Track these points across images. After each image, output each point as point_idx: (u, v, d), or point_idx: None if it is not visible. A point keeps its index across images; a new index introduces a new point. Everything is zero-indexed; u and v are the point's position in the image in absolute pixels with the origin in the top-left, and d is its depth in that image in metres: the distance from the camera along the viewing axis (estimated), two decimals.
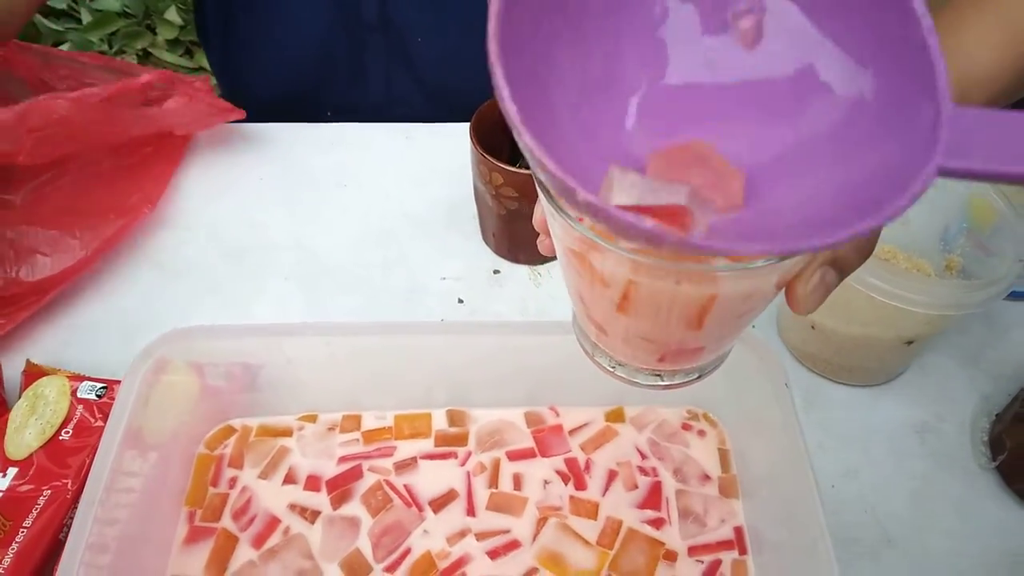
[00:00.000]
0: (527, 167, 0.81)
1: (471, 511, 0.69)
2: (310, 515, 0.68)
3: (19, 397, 0.71)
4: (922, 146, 0.29)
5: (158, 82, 0.90)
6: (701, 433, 0.73)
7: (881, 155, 0.31)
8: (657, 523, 0.69)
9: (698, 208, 0.29)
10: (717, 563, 0.66)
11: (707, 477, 0.71)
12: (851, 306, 0.71)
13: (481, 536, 0.68)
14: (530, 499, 0.70)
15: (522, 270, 0.88)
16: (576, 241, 0.36)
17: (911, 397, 0.79)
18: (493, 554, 0.67)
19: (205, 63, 2.44)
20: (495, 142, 0.79)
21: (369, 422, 0.74)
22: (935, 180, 0.29)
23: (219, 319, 0.82)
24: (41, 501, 0.65)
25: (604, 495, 0.70)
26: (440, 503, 0.70)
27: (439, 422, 0.74)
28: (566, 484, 0.71)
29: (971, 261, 0.76)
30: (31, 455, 0.67)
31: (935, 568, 0.69)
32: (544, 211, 0.39)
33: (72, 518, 0.58)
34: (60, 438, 0.68)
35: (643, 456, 0.72)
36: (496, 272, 0.88)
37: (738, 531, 0.68)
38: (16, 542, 0.63)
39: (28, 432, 0.68)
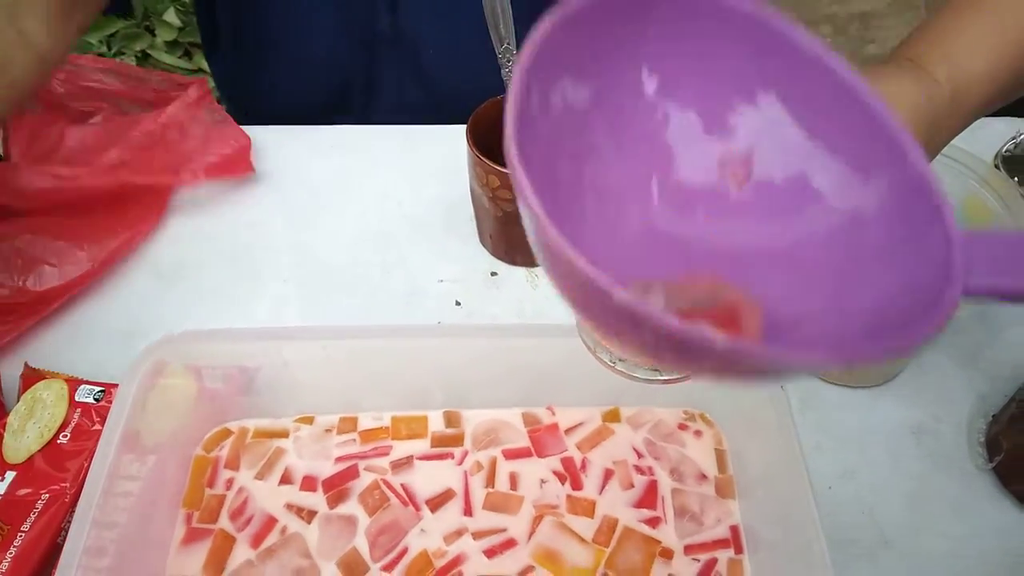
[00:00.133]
0: None
1: (468, 510, 0.70)
2: (307, 515, 0.69)
3: (17, 401, 0.72)
4: (940, 266, 0.31)
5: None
6: (698, 433, 0.74)
7: (899, 271, 0.32)
8: (653, 522, 0.69)
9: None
10: (713, 562, 0.67)
11: (703, 477, 0.72)
12: None
13: (478, 535, 0.69)
14: (526, 498, 0.71)
15: (519, 272, 0.88)
16: None
17: (908, 398, 0.79)
18: (490, 553, 0.68)
19: (204, 65, 2.44)
20: (492, 144, 0.80)
21: (366, 424, 0.74)
22: (957, 307, 0.31)
23: (217, 322, 0.83)
24: (39, 505, 0.65)
25: (600, 494, 0.71)
26: (437, 502, 0.70)
27: (436, 423, 0.75)
28: (563, 483, 0.71)
29: None
30: (29, 459, 0.68)
31: (932, 569, 0.70)
32: None
33: (70, 521, 0.58)
34: (58, 442, 0.69)
35: (639, 455, 0.73)
36: (493, 274, 0.88)
37: (734, 530, 0.69)
38: (14, 546, 0.63)
39: (26, 436, 0.68)
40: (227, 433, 0.73)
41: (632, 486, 0.71)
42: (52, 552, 0.64)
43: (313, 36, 1.04)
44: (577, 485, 0.71)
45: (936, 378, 0.81)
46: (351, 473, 0.71)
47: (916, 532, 0.71)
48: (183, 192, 0.93)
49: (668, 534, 0.69)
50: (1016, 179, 0.77)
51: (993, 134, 0.89)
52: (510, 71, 0.77)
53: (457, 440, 0.74)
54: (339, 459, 0.72)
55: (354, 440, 0.73)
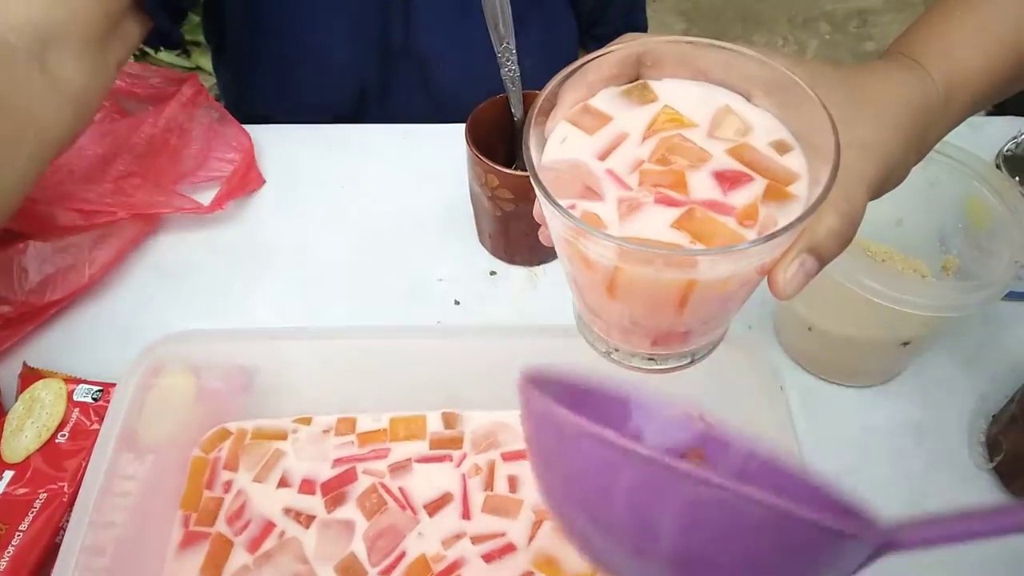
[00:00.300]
0: (523, 168, 0.82)
1: (466, 514, 0.70)
2: (304, 519, 0.69)
3: (15, 400, 0.72)
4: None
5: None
6: None
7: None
8: None
9: None
10: None
11: None
12: (847, 308, 0.73)
13: (476, 539, 0.69)
14: (525, 501, 0.71)
15: (518, 271, 0.89)
16: (568, 230, 0.39)
17: (909, 398, 0.80)
18: (488, 557, 0.68)
19: (202, 63, 2.45)
20: (491, 144, 0.80)
21: (364, 424, 0.75)
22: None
23: (216, 322, 0.83)
24: (37, 504, 0.66)
25: None
26: (435, 506, 0.71)
27: (434, 424, 0.75)
28: None
29: (968, 261, 0.77)
30: (27, 458, 0.68)
31: (931, 568, 0.70)
32: (540, 204, 0.42)
33: (68, 521, 0.59)
34: (56, 441, 0.69)
35: None
36: (492, 273, 0.89)
37: None
38: (12, 545, 0.64)
39: (24, 435, 0.69)
40: (226, 434, 0.74)
41: None
42: (50, 551, 0.64)
43: (327, 48, 1.05)
44: None
45: (937, 378, 0.81)
46: (349, 477, 0.72)
47: None
48: (183, 190, 0.94)
49: None
50: (1017, 178, 0.78)
51: (994, 133, 0.90)
52: (509, 70, 0.78)
53: (456, 442, 0.74)
54: (337, 462, 0.73)
55: (352, 442, 0.74)
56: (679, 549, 0.36)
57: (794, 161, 0.42)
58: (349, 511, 0.70)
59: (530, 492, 0.72)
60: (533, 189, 0.40)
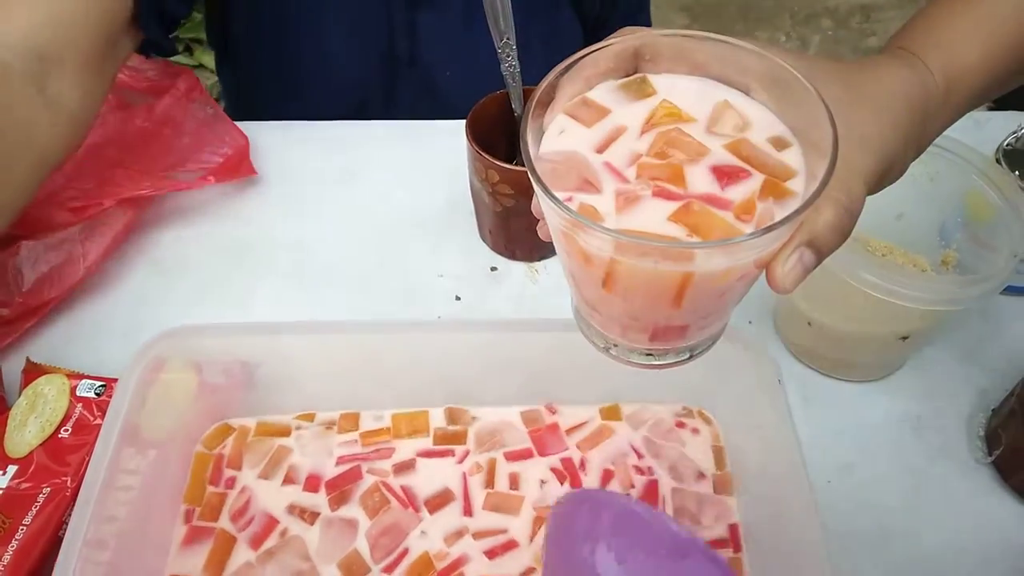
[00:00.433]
0: (523, 164, 0.82)
1: (468, 511, 0.70)
2: (309, 516, 0.70)
3: (19, 395, 0.72)
4: None
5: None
6: (695, 431, 0.74)
7: None
8: None
9: None
10: None
11: (702, 475, 0.72)
12: (846, 302, 0.73)
13: (478, 536, 0.69)
14: (526, 498, 0.71)
15: (519, 267, 0.89)
16: (565, 223, 0.39)
17: (908, 392, 0.80)
18: (491, 554, 0.68)
19: (205, 60, 2.45)
20: (491, 139, 0.80)
21: (367, 421, 0.75)
22: None
23: (218, 317, 0.83)
24: (41, 499, 0.66)
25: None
26: (437, 503, 0.71)
27: (437, 420, 0.75)
28: (562, 483, 0.72)
29: (968, 256, 0.77)
30: (31, 453, 0.68)
31: (931, 562, 0.70)
32: (537, 197, 0.42)
33: (72, 515, 0.59)
34: (59, 436, 0.69)
35: (639, 455, 0.73)
36: (493, 269, 0.89)
37: (733, 529, 0.69)
38: (16, 539, 0.64)
39: (28, 430, 0.69)
40: (228, 429, 0.74)
41: (632, 486, 0.72)
42: (53, 545, 0.64)
43: (331, 59, 1.05)
44: (577, 485, 0.72)
45: (936, 372, 0.81)
46: (354, 475, 0.72)
47: (915, 526, 0.72)
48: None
49: None
50: (1017, 173, 0.78)
51: (995, 128, 0.90)
52: (509, 66, 0.78)
53: (460, 438, 0.74)
54: (341, 460, 0.73)
55: (356, 441, 0.74)
56: None
57: (792, 157, 0.42)
58: (352, 509, 0.70)
59: (531, 489, 0.72)
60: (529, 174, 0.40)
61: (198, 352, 0.70)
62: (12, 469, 0.67)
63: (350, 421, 0.75)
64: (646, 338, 0.46)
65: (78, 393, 0.72)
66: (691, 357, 0.48)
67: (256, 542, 0.68)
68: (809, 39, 2.90)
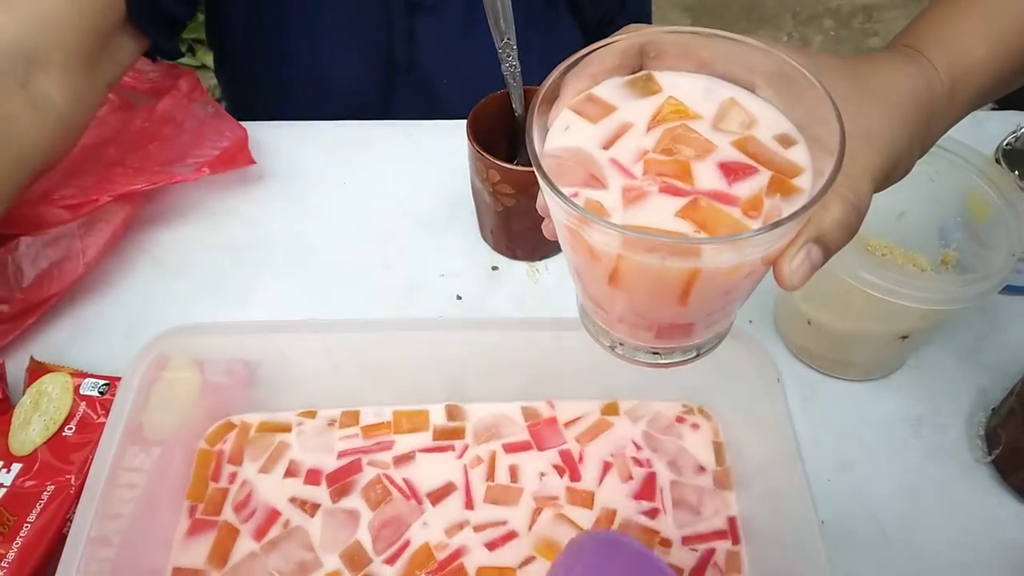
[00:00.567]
0: (524, 164, 0.82)
1: (469, 504, 0.70)
2: (310, 508, 0.70)
3: (23, 394, 0.72)
4: None
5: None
6: (695, 426, 0.74)
7: None
8: (651, 513, 0.70)
9: None
10: (711, 553, 0.68)
11: (702, 469, 0.72)
12: (845, 301, 0.72)
13: (479, 528, 0.69)
14: (525, 489, 0.71)
15: (520, 266, 0.89)
16: (571, 218, 0.39)
17: (908, 392, 0.80)
18: (491, 545, 0.68)
19: (207, 60, 2.44)
20: (492, 140, 0.80)
21: (368, 418, 0.75)
22: None
23: (220, 317, 0.83)
24: (45, 496, 0.66)
25: (599, 485, 0.71)
26: (438, 496, 0.71)
27: (437, 417, 0.75)
28: (561, 477, 0.72)
29: (967, 255, 0.77)
30: (35, 451, 0.68)
31: (929, 561, 0.70)
32: (543, 193, 0.41)
33: (76, 512, 0.59)
34: (63, 434, 0.69)
35: (638, 448, 0.73)
36: (494, 268, 0.89)
37: (731, 522, 0.69)
38: (20, 537, 0.64)
39: (32, 428, 0.69)
40: (230, 427, 0.74)
41: (631, 478, 0.72)
42: (58, 543, 0.64)
43: (329, 64, 1.05)
44: (576, 477, 0.72)
45: (936, 372, 0.81)
46: (354, 468, 0.72)
47: (914, 524, 0.72)
48: (187, 187, 0.94)
49: (667, 524, 0.69)
50: (1016, 172, 0.77)
51: (995, 128, 0.89)
52: (510, 65, 0.78)
53: (458, 433, 0.74)
54: (342, 453, 0.73)
55: (356, 435, 0.74)
56: None
57: (799, 154, 0.41)
58: (354, 501, 0.70)
59: (530, 481, 0.72)
60: (534, 184, 0.39)
61: (200, 351, 0.70)
62: (16, 467, 0.67)
63: (351, 419, 0.75)
64: (652, 336, 0.45)
65: (82, 392, 0.72)
66: (698, 356, 0.48)
67: (259, 533, 0.68)
68: (811, 39, 2.90)
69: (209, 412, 0.74)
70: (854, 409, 0.78)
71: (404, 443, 0.74)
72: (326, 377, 0.73)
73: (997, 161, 0.79)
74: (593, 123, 0.44)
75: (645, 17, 1.20)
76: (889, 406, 0.79)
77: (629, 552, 0.58)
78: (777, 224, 0.36)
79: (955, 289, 0.67)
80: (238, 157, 0.92)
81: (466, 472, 0.72)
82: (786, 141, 0.42)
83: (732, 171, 0.40)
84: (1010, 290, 0.84)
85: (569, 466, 0.72)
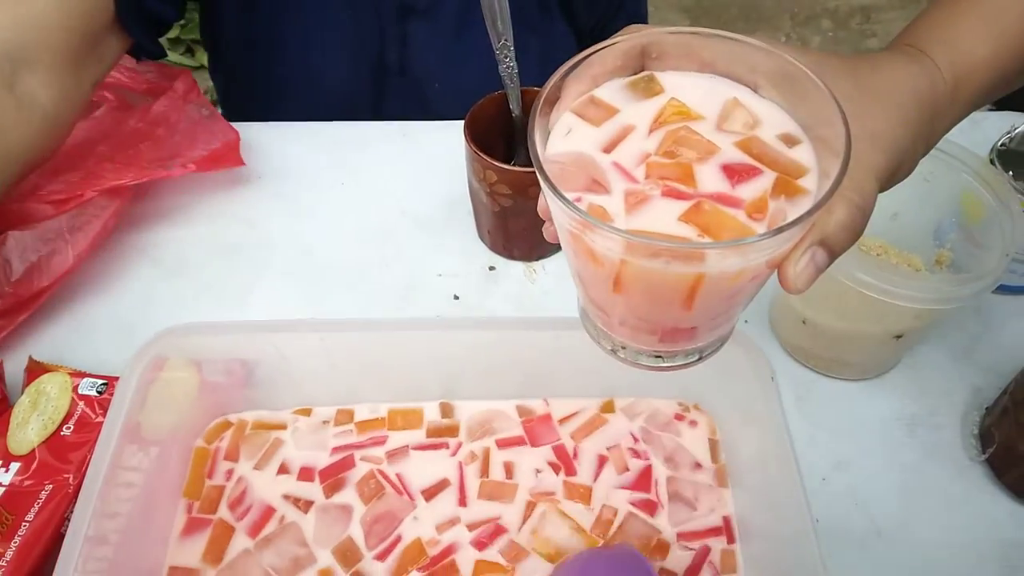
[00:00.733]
0: (521, 164, 0.82)
1: (463, 500, 0.70)
2: (304, 504, 0.69)
3: (21, 394, 0.71)
4: None
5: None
6: (693, 423, 0.74)
7: None
8: (649, 507, 0.69)
9: None
10: (706, 551, 0.67)
11: (698, 465, 0.71)
12: (840, 300, 0.72)
13: (472, 526, 0.69)
14: (520, 486, 0.71)
15: (517, 266, 0.88)
16: (573, 222, 0.38)
17: (903, 391, 0.79)
18: (484, 542, 0.68)
19: (206, 61, 2.43)
20: (489, 140, 0.80)
21: (362, 415, 0.74)
22: None
23: (218, 317, 0.82)
24: (43, 495, 0.65)
25: (595, 481, 0.71)
26: (432, 492, 0.70)
27: (431, 414, 0.74)
28: (557, 473, 0.71)
29: (961, 255, 0.77)
30: (33, 450, 0.67)
31: (924, 558, 0.69)
32: (545, 197, 0.40)
33: (73, 512, 0.58)
34: (61, 434, 0.69)
35: (635, 440, 0.73)
36: (491, 269, 0.88)
37: (727, 520, 0.68)
38: (19, 536, 0.63)
39: (30, 428, 0.68)
40: (227, 425, 0.73)
41: (627, 469, 0.71)
42: (56, 542, 0.63)
43: (321, 67, 1.03)
44: (571, 472, 0.71)
45: (931, 371, 0.80)
46: (347, 463, 0.71)
47: (908, 523, 0.71)
48: (185, 188, 0.93)
49: (663, 521, 0.68)
50: (1011, 173, 0.77)
51: (990, 128, 0.89)
52: (507, 67, 0.78)
53: (452, 431, 0.73)
54: (335, 449, 0.72)
55: (351, 431, 0.73)
56: None
57: (803, 154, 0.40)
58: (347, 496, 0.70)
59: (525, 477, 0.71)
60: (531, 184, 0.39)
61: (197, 350, 0.69)
62: (15, 466, 0.67)
63: (346, 416, 0.74)
64: (655, 340, 0.44)
65: (80, 391, 0.71)
66: (700, 359, 0.47)
67: (254, 530, 0.68)
68: (809, 40, 2.88)
69: (207, 411, 0.73)
70: (849, 408, 0.78)
71: (397, 439, 0.73)
72: (323, 376, 0.72)
73: (992, 162, 0.78)
74: (595, 126, 0.43)
75: (641, 21, 1.19)
76: (884, 405, 0.78)
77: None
78: (783, 228, 0.35)
79: (949, 289, 0.66)
80: (227, 157, 0.91)
81: (460, 468, 0.71)
82: (790, 140, 0.41)
83: (735, 173, 0.39)
84: (1004, 290, 0.84)
85: (564, 462, 0.72)
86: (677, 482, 0.70)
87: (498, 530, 0.68)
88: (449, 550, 0.67)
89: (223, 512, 0.69)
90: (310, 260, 0.89)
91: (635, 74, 0.45)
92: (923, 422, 0.77)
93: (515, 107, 0.82)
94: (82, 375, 0.72)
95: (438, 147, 0.98)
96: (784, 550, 0.60)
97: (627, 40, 0.44)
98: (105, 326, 0.82)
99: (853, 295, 0.68)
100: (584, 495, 0.70)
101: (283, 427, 0.73)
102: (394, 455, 0.72)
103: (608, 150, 0.41)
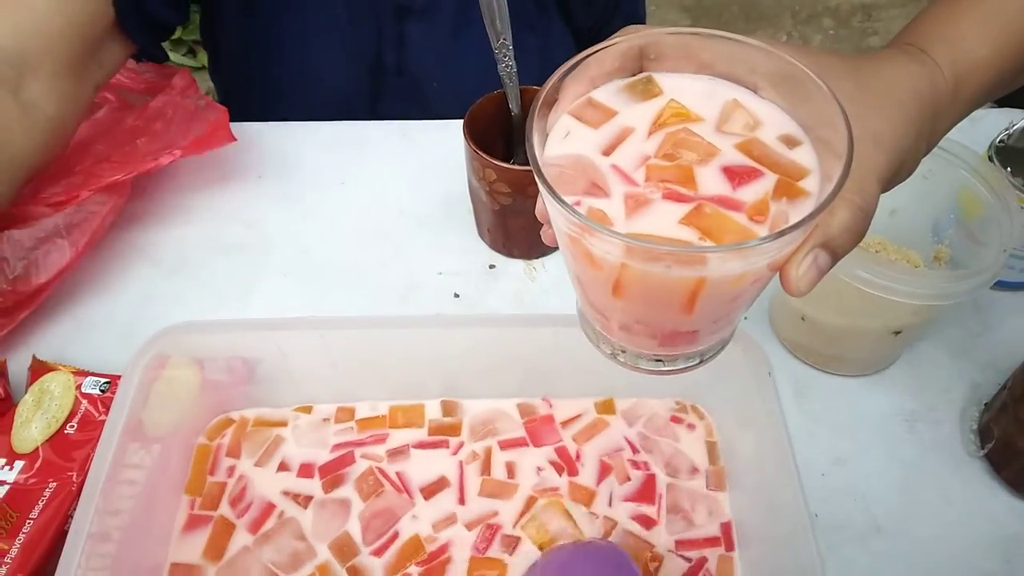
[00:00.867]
0: (520, 163, 0.81)
1: (462, 499, 0.69)
2: (303, 500, 0.69)
3: (25, 392, 0.71)
4: None
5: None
6: (691, 427, 0.73)
7: None
8: (647, 522, 0.68)
9: None
10: (703, 560, 0.66)
11: (695, 470, 0.71)
12: (839, 297, 0.71)
13: (470, 525, 0.68)
14: (521, 486, 0.70)
15: (517, 265, 0.88)
16: (573, 227, 0.37)
17: (902, 387, 0.78)
18: (482, 540, 0.67)
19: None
20: (488, 139, 0.79)
21: (363, 413, 0.74)
22: None
23: (219, 315, 0.82)
24: (47, 493, 0.65)
25: (598, 485, 0.70)
26: (431, 490, 0.70)
27: (433, 412, 0.74)
28: (560, 474, 0.71)
29: (960, 251, 0.76)
30: (37, 449, 0.67)
31: (923, 553, 0.69)
32: (543, 200, 0.40)
33: (76, 509, 0.58)
34: (65, 432, 0.68)
35: (635, 450, 0.72)
36: (492, 267, 0.87)
37: (725, 528, 0.68)
38: (23, 533, 0.63)
39: (34, 426, 0.68)
40: (229, 422, 0.73)
41: (628, 479, 0.70)
42: (60, 539, 0.63)
43: (319, 68, 1.03)
44: (574, 472, 0.71)
45: (930, 367, 0.80)
46: (347, 460, 0.71)
47: (908, 518, 0.70)
48: (186, 187, 0.93)
49: (660, 533, 0.68)
50: (1009, 169, 0.76)
51: (988, 125, 0.88)
52: (506, 66, 0.77)
53: (454, 429, 0.73)
54: (336, 446, 0.72)
55: (351, 428, 0.73)
56: None
57: (804, 155, 0.39)
58: (346, 492, 0.69)
59: (526, 478, 0.71)
60: (531, 183, 0.38)
61: (199, 348, 0.69)
62: (19, 464, 0.67)
63: (347, 414, 0.74)
64: (655, 344, 0.44)
65: (83, 390, 0.71)
66: (701, 362, 0.46)
67: (255, 527, 0.68)
68: (810, 38, 2.86)
69: (208, 409, 0.73)
70: (848, 404, 0.77)
71: (399, 437, 0.73)
72: (324, 374, 0.72)
73: (990, 158, 0.78)
74: (594, 128, 0.42)
75: (639, 21, 1.18)
76: (883, 401, 0.77)
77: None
78: (785, 231, 0.34)
79: (946, 285, 0.66)
80: (217, 136, 0.89)
81: (461, 467, 0.71)
82: (791, 142, 0.40)
83: (736, 175, 0.39)
84: (1002, 286, 0.83)
85: (567, 463, 0.71)
86: (677, 491, 0.70)
87: (496, 527, 0.68)
88: (446, 546, 0.67)
89: (224, 509, 0.68)
90: (310, 259, 0.88)
91: (633, 76, 0.44)
92: (922, 418, 0.76)
93: (514, 106, 0.81)
94: (85, 374, 0.72)
95: (438, 146, 0.98)
96: (783, 550, 0.60)
97: (625, 41, 0.43)
98: (108, 325, 0.82)
99: (852, 291, 0.67)
100: (586, 498, 0.69)
101: (284, 424, 0.73)
102: (394, 453, 0.71)
103: (607, 153, 0.41)
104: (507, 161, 0.77)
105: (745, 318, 0.81)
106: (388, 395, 0.74)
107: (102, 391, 0.71)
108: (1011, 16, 0.55)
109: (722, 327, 0.44)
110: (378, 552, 0.66)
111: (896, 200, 0.76)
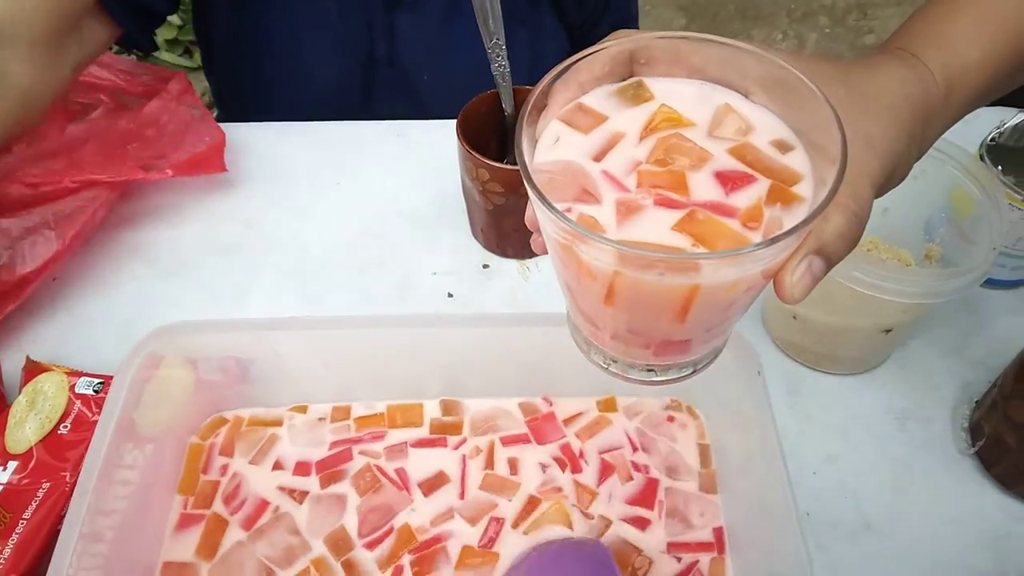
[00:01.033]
0: (513, 163, 0.81)
1: (462, 494, 0.69)
2: (299, 495, 0.68)
3: (19, 393, 0.70)
4: None
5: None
6: (684, 426, 0.73)
7: None
8: (642, 525, 0.68)
9: None
10: (694, 563, 0.66)
11: (689, 471, 0.70)
12: (829, 295, 0.70)
13: (471, 520, 0.68)
14: (523, 485, 0.69)
15: (511, 264, 0.87)
16: (564, 234, 0.36)
17: (893, 385, 0.78)
18: (479, 540, 0.67)
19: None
20: (481, 139, 0.78)
21: (358, 412, 0.73)
22: None
23: (213, 315, 0.81)
24: (40, 493, 0.64)
25: (600, 485, 0.70)
26: (431, 485, 0.69)
27: (432, 411, 0.73)
28: (563, 470, 0.70)
29: (951, 250, 0.76)
30: (30, 449, 0.67)
31: (913, 551, 0.68)
32: (533, 208, 0.39)
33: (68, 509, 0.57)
34: (59, 432, 0.68)
35: (634, 448, 0.71)
36: (485, 266, 0.87)
37: (718, 532, 0.67)
38: (16, 533, 0.62)
39: (27, 427, 0.67)
40: (222, 421, 0.72)
41: (631, 479, 0.70)
42: (53, 539, 0.61)
43: (310, 62, 1.02)
44: (577, 469, 0.70)
45: (921, 365, 0.79)
46: (344, 456, 0.70)
47: (899, 515, 0.70)
48: (179, 187, 0.92)
49: (656, 536, 0.67)
50: (999, 168, 0.76)
51: (980, 124, 0.88)
52: (499, 65, 0.76)
53: (455, 428, 0.72)
54: (333, 444, 0.71)
55: (349, 427, 0.72)
56: None
57: (797, 160, 0.39)
58: (343, 487, 0.69)
59: (529, 476, 0.70)
60: (523, 183, 0.37)
61: (192, 348, 0.68)
62: (12, 465, 0.66)
63: (342, 413, 0.73)
64: (648, 353, 0.43)
65: (77, 390, 0.70)
66: (694, 372, 0.45)
67: (248, 523, 0.67)
68: (806, 37, 2.85)
69: (202, 408, 0.72)
70: (839, 402, 0.76)
71: (397, 435, 0.72)
72: (318, 373, 0.71)
73: (981, 157, 0.77)
74: (584, 134, 0.41)
75: (631, 19, 1.17)
76: (874, 399, 0.77)
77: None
78: (779, 238, 0.33)
79: (936, 283, 0.65)
80: (210, 162, 0.89)
81: (463, 461, 0.70)
82: (783, 147, 0.39)
83: (729, 180, 0.38)
84: (992, 284, 0.83)
85: (571, 460, 0.71)
86: (675, 494, 0.69)
87: (496, 520, 0.67)
88: (440, 537, 0.66)
89: (217, 506, 0.68)
90: (305, 259, 0.87)
91: (624, 80, 0.44)
92: (913, 416, 0.76)
93: (507, 106, 0.81)
94: (79, 374, 0.71)
95: (432, 146, 0.97)
96: (773, 551, 0.59)
97: (615, 45, 0.42)
98: (102, 326, 0.81)
99: (843, 290, 0.67)
100: (588, 497, 0.69)
101: (279, 423, 0.72)
102: (393, 451, 0.71)
103: (598, 159, 0.40)
104: (500, 161, 0.76)
105: None
106: (385, 395, 0.73)
107: (96, 391, 0.70)
108: (1004, 19, 0.54)
109: (715, 336, 0.43)
110: (371, 546, 0.66)
111: (888, 198, 0.75)
